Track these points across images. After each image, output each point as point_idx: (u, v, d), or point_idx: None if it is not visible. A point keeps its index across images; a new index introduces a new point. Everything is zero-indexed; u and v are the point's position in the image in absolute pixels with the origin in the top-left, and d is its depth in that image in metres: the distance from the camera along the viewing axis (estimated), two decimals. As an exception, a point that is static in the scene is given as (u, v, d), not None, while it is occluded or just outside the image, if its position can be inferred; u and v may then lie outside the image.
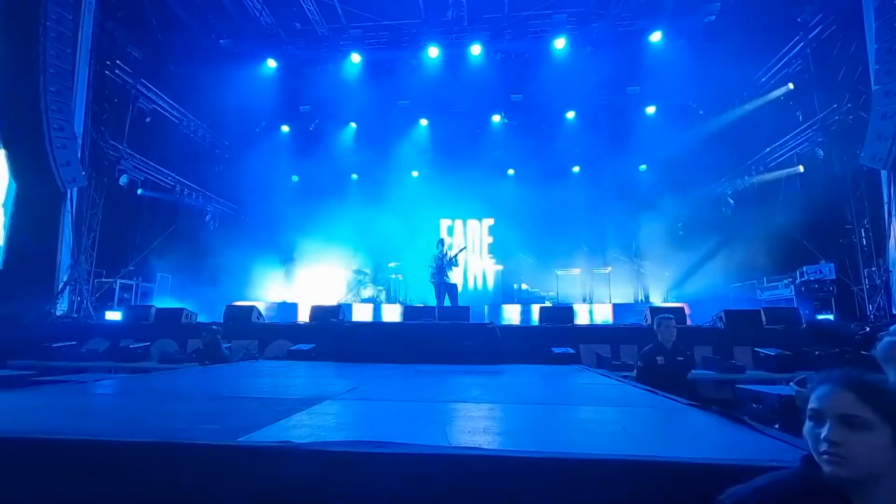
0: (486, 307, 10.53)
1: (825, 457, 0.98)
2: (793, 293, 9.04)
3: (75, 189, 8.45)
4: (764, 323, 6.64)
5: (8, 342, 6.50)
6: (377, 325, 8.59)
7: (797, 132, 9.73)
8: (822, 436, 1.00)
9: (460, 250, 9.92)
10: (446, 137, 13.60)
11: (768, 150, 10.71)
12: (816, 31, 8.96)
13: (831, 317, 8.07)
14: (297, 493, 1.29)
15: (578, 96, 12.51)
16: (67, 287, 8.33)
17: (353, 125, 13.96)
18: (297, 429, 1.82)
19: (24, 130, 8.01)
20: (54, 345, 6.56)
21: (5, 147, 8.32)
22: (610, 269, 11.76)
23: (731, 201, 11.84)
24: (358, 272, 12.48)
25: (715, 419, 2.18)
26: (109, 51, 9.40)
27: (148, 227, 10.68)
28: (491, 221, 14.55)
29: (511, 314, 10.36)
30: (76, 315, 8.29)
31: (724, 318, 6.77)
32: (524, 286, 12.58)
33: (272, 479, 1.29)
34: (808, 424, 1.05)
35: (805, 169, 9.63)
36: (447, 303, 8.90)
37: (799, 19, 9.25)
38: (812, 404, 1.05)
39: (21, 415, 2.17)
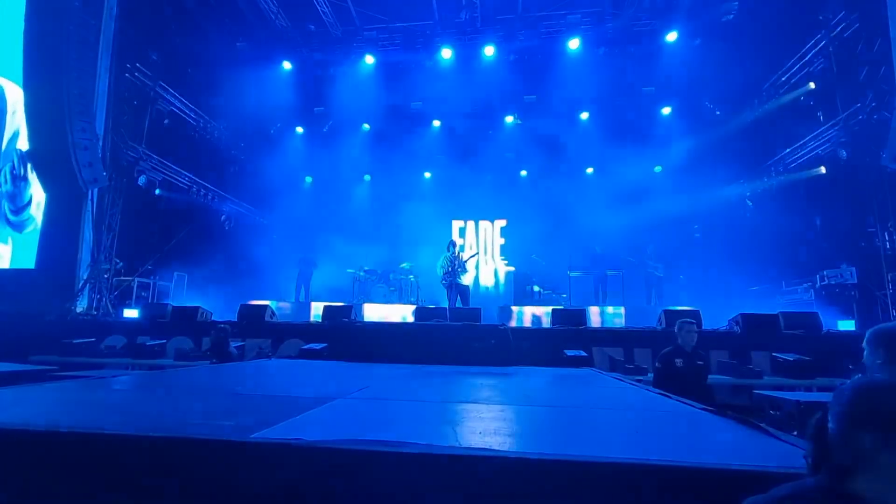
0: (497, 309, 10.49)
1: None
2: (812, 298, 8.83)
3: (96, 189, 8.66)
4: (782, 328, 6.48)
5: (30, 338, 6.69)
6: (389, 326, 8.61)
7: (818, 132, 9.51)
8: None
9: (471, 256, 9.88)
10: (459, 138, 13.61)
11: (788, 150, 10.48)
12: (838, 29, 8.74)
13: (853, 322, 7.86)
14: (308, 490, 1.30)
15: (592, 97, 12.40)
16: (87, 285, 8.53)
17: (367, 126, 14.05)
18: (309, 427, 1.83)
19: (49, 132, 8.25)
20: (74, 341, 6.71)
21: (32, 147, 8.59)
22: (623, 271, 11.62)
23: (750, 203, 11.61)
24: (370, 272, 12.53)
25: (731, 425, 2.13)
26: (129, 54, 9.61)
27: (165, 227, 10.88)
28: (503, 223, 14.50)
29: (523, 316, 10.30)
30: (95, 312, 8.48)
31: (740, 323, 6.63)
32: (536, 288, 12.49)
33: (284, 475, 1.30)
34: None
35: (827, 170, 9.40)
36: (459, 304, 8.89)
37: (820, 17, 9.04)
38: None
39: (41, 409, 2.23)
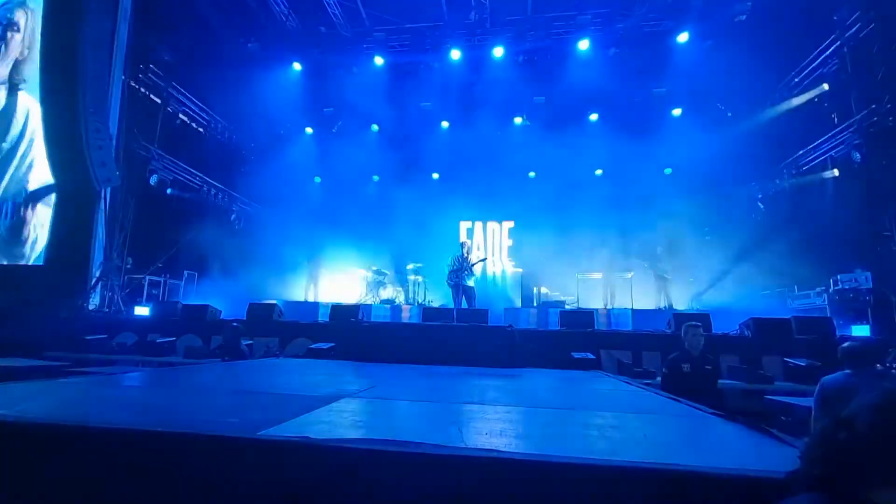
0: (504, 310, 10.45)
1: None
2: (825, 302, 8.68)
3: (109, 188, 8.79)
4: (794, 332, 6.39)
5: (45, 334, 6.81)
6: (396, 326, 8.63)
7: (832, 134, 9.37)
8: None
9: (481, 260, 9.86)
10: (468, 139, 13.59)
11: (801, 153, 10.34)
12: (854, 29, 8.61)
13: (867, 328, 7.71)
14: (313, 488, 1.30)
15: (602, 98, 12.33)
16: (100, 283, 8.65)
17: (376, 127, 14.11)
18: (315, 425, 1.84)
19: (64, 132, 8.39)
20: (86, 338, 6.81)
21: (47, 147, 8.74)
22: (632, 274, 11.52)
23: (761, 206, 11.46)
24: (377, 273, 12.57)
25: (741, 430, 2.10)
26: (142, 55, 9.75)
27: (176, 226, 11.01)
28: (511, 224, 14.46)
29: (530, 317, 10.25)
30: (107, 310, 8.60)
31: (751, 327, 6.54)
32: (544, 290, 12.44)
33: (289, 473, 1.31)
34: None
35: (840, 173, 9.25)
36: (464, 305, 8.87)
37: (835, 17, 8.91)
38: None
39: (55, 403, 2.26)
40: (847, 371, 3.06)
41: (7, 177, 9.04)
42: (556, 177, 13.25)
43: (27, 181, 8.97)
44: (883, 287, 7.86)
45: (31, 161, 8.99)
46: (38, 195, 8.87)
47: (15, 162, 9.04)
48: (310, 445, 1.36)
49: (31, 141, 9.00)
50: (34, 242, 8.82)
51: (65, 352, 6.38)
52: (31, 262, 8.76)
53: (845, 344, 3.19)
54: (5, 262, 8.91)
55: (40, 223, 8.84)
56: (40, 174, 8.88)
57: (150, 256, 10.14)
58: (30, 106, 9.12)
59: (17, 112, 9.18)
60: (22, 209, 8.90)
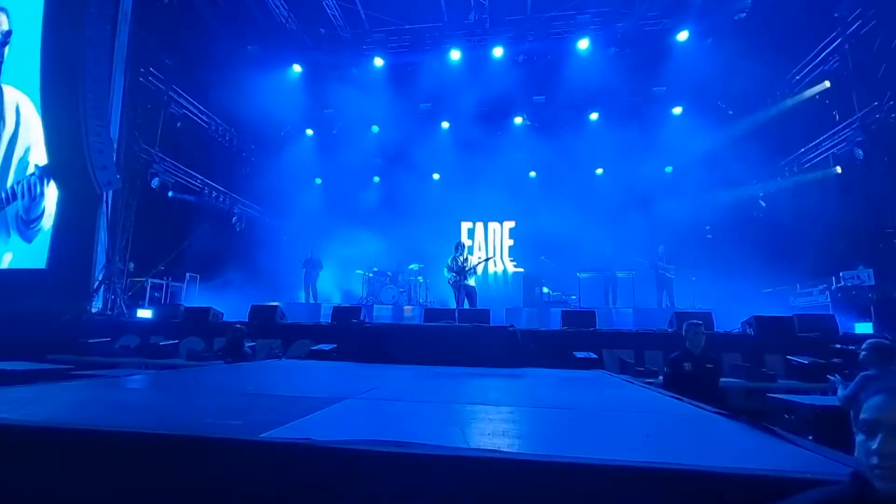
0: (506, 310, 10.44)
1: (877, 471, 0.92)
2: (828, 300, 8.65)
3: (111, 191, 8.80)
4: (797, 330, 6.37)
5: (47, 338, 6.82)
6: (397, 327, 8.63)
7: (834, 132, 9.35)
8: (874, 448, 0.93)
9: (485, 260, 9.83)
10: (468, 139, 13.59)
11: (803, 150, 10.32)
12: (855, 25, 8.59)
13: (870, 325, 7.68)
14: (316, 490, 1.30)
15: (602, 97, 12.33)
16: (102, 286, 8.67)
17: (376, 128, 14.12)
18: (318, 427, 1.84)
19: (65, 135, 8.42)
20: (89, 340, 6.83)
21: (48, 151, 8.77)
22: (634, 272, 11.50)
23: (763, 204, 11.44)
24: (379, 273, 12.58)
25: (744, 428, 2.10)
26: (143, 58, 9.77)
27: (178, 229, 11.03)
28: (512, 224, 14.46)
29: (532, 317, 10.24)
30: (110, 312, 8.61)
31: (753, 325, 6.53)
32: (545, 289, 12.43)
33: (292, 474, 1.31)
34: (859, 437, 0.97)
35: (843, 170, 9.23)
36: (466, 305, 8.86)
37: (836, 14, 8.89)
38: (864, 415, 0.98)
39: (58, 407, 2.27)
40: (880, 368, 3.16)
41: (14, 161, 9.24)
42: (556, 176, 13.24)
43: (28, 162, 9.16)
44: (886, 284, 7.83)
45: (28, 146, 9.17)
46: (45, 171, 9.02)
47: (16, 148, 9.22)
48: (313, 447, 1.36)
49: (29, 125, 9.19)
50: (50, 215, 8.98)
51: (67, 355, 6.40)
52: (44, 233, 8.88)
53: (872, 340, 3.29)
54: (8, 265, 8.96)
55: (52, 197, 9.01)
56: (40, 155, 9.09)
57: (152, 259, 10.16)
58: (17, 98, 9.36)
59: (5, 104, 9.42)
60: (38, 186, 9.02)
